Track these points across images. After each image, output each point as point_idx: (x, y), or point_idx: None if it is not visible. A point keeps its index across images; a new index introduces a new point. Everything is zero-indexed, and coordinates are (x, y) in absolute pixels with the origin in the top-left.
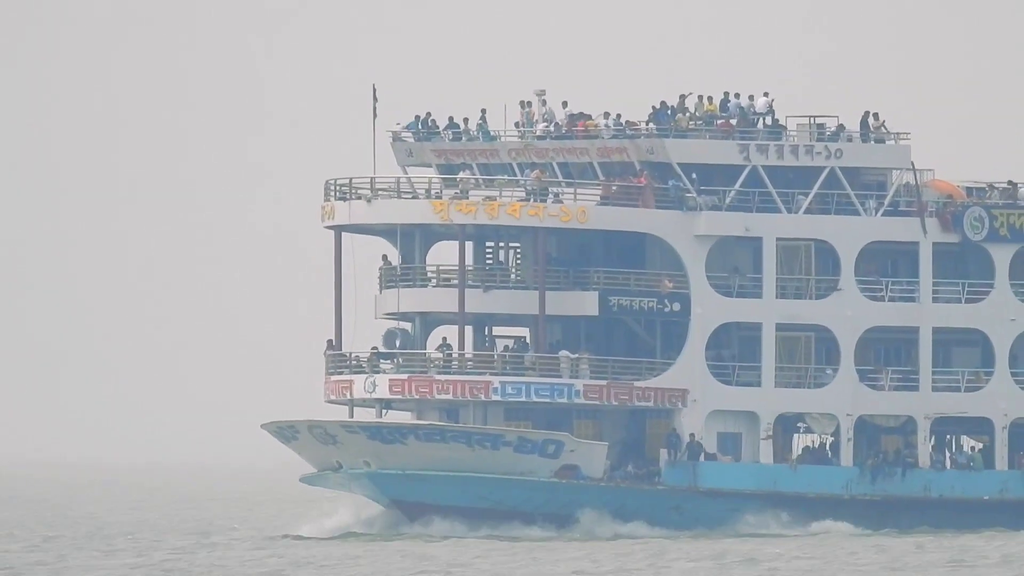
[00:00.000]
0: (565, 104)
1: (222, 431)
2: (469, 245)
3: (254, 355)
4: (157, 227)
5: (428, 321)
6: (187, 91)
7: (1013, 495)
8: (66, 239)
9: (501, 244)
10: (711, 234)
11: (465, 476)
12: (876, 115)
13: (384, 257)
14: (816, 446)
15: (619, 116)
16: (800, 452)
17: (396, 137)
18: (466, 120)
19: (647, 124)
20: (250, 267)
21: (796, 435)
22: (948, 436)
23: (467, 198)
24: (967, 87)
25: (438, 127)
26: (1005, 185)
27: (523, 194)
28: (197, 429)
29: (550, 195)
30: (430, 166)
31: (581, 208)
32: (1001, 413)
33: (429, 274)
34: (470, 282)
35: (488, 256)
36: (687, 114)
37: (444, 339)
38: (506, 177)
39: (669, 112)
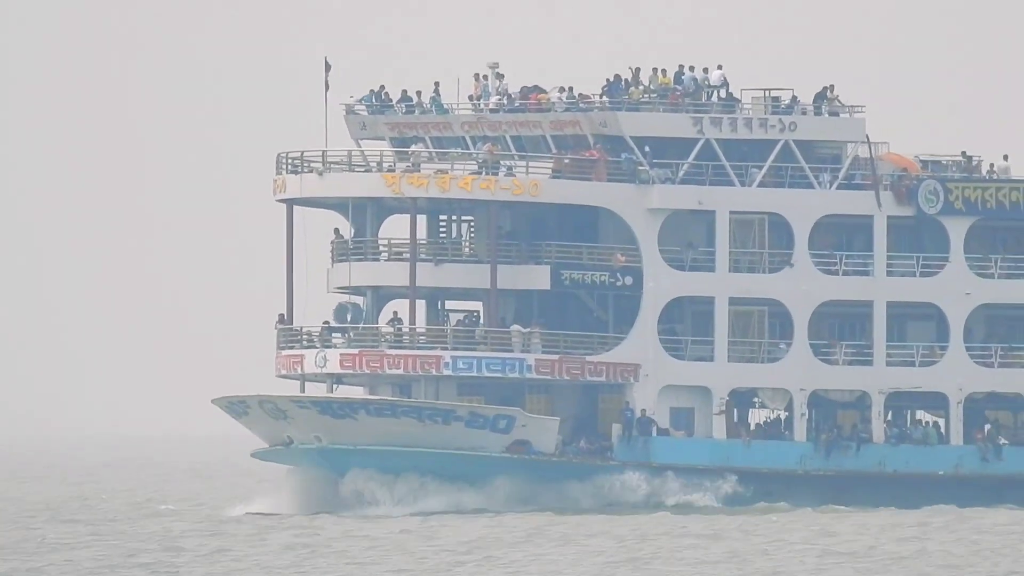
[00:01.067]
0: (500, 76)
1: (175, 406)
2: (423, 219)
3: (207, 330)
4: (110, 202)
5: (380, 295)
6: (139, 65)
7: (968, 470)
8: (20, 215)
9: (455, 218)
10: (664, 207)
11: (416, 451)
12: (832, 87)
13: (336, 231)
14: (771, 421)
15: (572, 89)
16: (755, 427)
17: (349, 110)
18: (419, 93)
19: (600, 97)
20: (202, 242)
21: (752, 410)
22: (906, 411)
23: (419, 171)
24: (922, 60)
25: (391, 100)
26: (960, 158)
27: (475, 167)
28: (150, 403)
29: (502, 168)
30: (383, 139)
31: (533, 181)
32: (956, 388)
33: (381, 248)
34: (422, 256)
35: (442, 230)
36: (641, 87)
37: (395, 313)
38: (459, 151)
39: (623, 85)
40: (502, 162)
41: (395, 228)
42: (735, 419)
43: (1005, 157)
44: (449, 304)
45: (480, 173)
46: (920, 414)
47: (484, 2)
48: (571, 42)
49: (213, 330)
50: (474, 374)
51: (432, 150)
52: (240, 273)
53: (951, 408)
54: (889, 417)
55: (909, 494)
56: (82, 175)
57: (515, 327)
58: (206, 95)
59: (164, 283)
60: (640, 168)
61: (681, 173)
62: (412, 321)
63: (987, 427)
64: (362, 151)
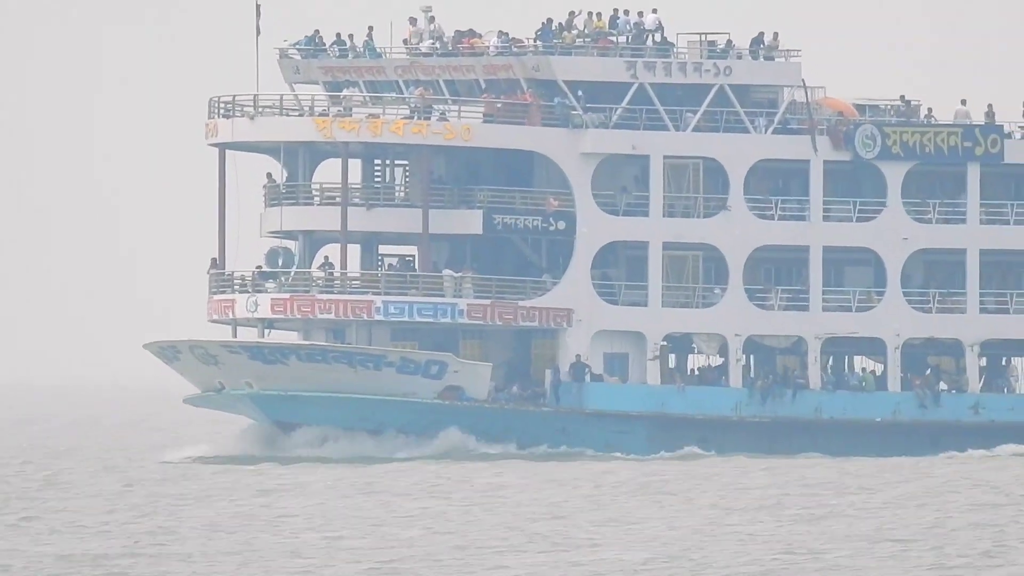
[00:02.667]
0: (432, 19)
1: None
2: (357, 163)
3: (139, 274)
4: (40, 146)
5: (314, 240)
6: (70, 10)
7: (906, 417)
8: None
9: (388, 162)
10: (597, 152)
11: (346, 397)
12: (776, 35)
13: (268, 175)
14: (708, 367)
15: (502, 33)
16: (695, 373)
17: (283, 54)
18: (352, 37)
19: (534, 41)
20: (136, 186)
21: (692, 356)
22: (846, 358)
23: (351, 116)
24: (859, 4)
25: (324, 44)
26: (897, 103)
27: (408, 112)
28: (81, 349)
29: (435, 113)
30: (317, 84)
31: (465, 126)
32: (893, 333)
33: (313, 192)
34: (355, 200)
35: (376, 174)
36: (575, 31)
37: (326, 258)
38: (392, 95)
39: (556, 29)
40: (434, 106)
41: (329, 173)
42: (671, 365)
43: (963, 102)
44: (385, 249)
45: (412, 117)
46: (862, 361)
47: None
48: None
49: (146, 275)
50: (406, 319)
51: (363, 94)
52: (173, 217)
53: (888, 354)
54: (830, 364)
55: (845, 441)
56: (11, 115)
57: (447, 272)
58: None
59: (96, 228)
60: (573, 112)
61: (615, 118)
62: (344, 266)
63: (927, 373)
64: (296, 95)
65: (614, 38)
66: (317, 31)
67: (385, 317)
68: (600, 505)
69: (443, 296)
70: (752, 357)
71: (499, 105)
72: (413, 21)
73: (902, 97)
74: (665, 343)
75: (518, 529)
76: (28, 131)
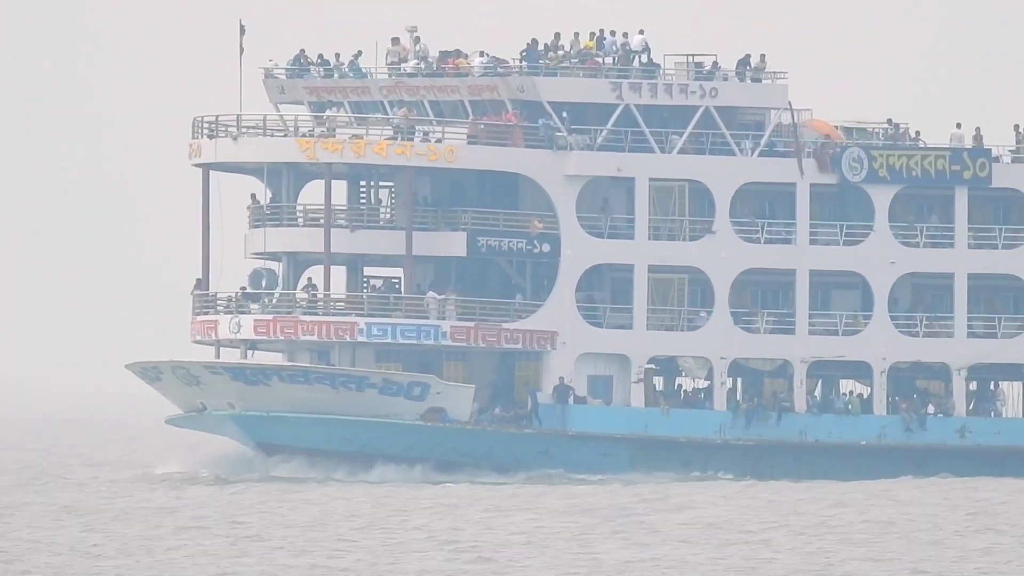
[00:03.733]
0: (418, 39)
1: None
2: (343, 184)
3: (123, 294)
4: (24, 164)
5: (298, 261)
6: (53, 26)
7: (891, 441)
8: None
9: (373, 183)
10: (582, 174)
11: (329, 418)
12: (763, 56)
13: (253, 196)
14: (693, 390)
15: (487, 54)
16: (681, 396)
17: (268, 74)
18: (338, 56)
19: (520, 62)
20: (122, 206)
21: (679, 379)
22: (836, 382)
23: (335, 136)
24: (846, 26)
25: (310, 64)
26: (885, 125)
27: (392, 132)
28: (67, 368)
29: (418, 133)
30: (302, 103)
31: (449, 147)
32: (880, 357)
33: (297, 213)
34: (340, 222)
35: (362, 196)
36: (561, 52)
37: (309, 279)
38: (377, 115)
39: (541, 50)
40: (418, 127)
41: (315, 193)
42: (655, 388)
43: (958, 125)
44: (371, 271)
45: (396, 138)
46: (850, 384)
47: None
48: (493, 6)
49: (130, 295)
50: (389, 341)
51: (346, 114)
52: (159, 238)
53: (875, 378)
54: (819, 387)
55: (831, 465)
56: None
57: (430, 294)
58: (124, 57)
59: (80, 247)
60: (558, 134)
61: (600, 139)
62: (327, 287)
63: (915, 396)
64: (280, 116)
65: (600, 59)
66: (303, 51)
67: (368, 339)
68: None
69: (427, 318)
70: (740, 380)
71: (483, 126)
72: (395, 41)
73: (889, 120)
74: (652, 366)
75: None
76: (10, 147)
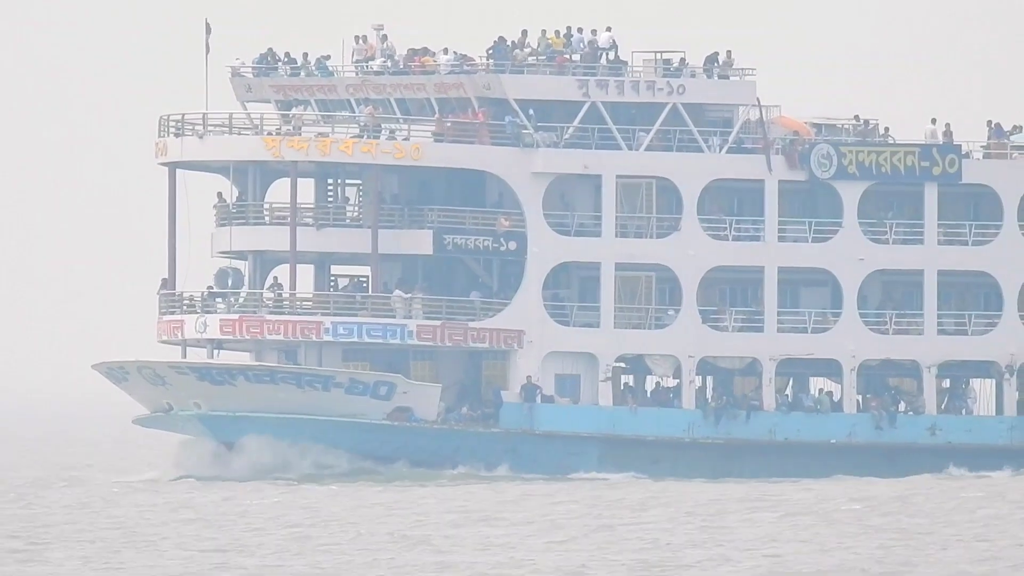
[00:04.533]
0: (384, 37)
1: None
2: (310, 182)
3: (90, 293)
4: None
5: (265, 260)
6: (18, 25)
7: (861, 439)
8: None
9: (340, 182)
10: (548, 171)
11: (295, 418)
12: (729, 52)
13: (219, 194)
14: (661, 388)
15: (455, 52)
16: (649, 395)
17: (235, 72)
18: (305, 55)
19: (487, 59)
20: (90, 206)
21: (649, 377)
22: (807, 379)
23: (300, 134)
24: (814, 23)
25: (277, 62)
26: (854, 122)
27: (358, 131)
28: (28, 369)
29: (384, 131)
30: (269, 102)
31: (415, 145)
32: (849, 355)
33: (264, 212)
34: (308, 220)
35: (329, 194)
36: (528, 49)
37: (275, 278)
38: (344, 114)
39: (508, 47)
40: (384, 125)
41: (282, 192)
42: (630, 385)
43: (933, 121)
44: (339, 269)
45: (362, 136)
46: (821, 382)
47: None
48: (462, 4)
49: (97, 294)
50: (355, 340)
51: (311, 112)
52: (125, 237)
53: (844, 375)
54: (791, 385)
55: (800, 463)
56: None
57: (396, 292)
58: (90, 55)
59: (45, 247)
60: (524, 131)
61: (566, 136)
62: (292, 286)
63: (886, 394)
64: (248, 113)
65: (568, 56)
66: (270, 49)
67: (334, 338)
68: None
69: (393, 317)
70: (712, 378)
71: (448, 124)
72: (362, 39)
73: (857, 117)
74: (622, 364)
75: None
76: None
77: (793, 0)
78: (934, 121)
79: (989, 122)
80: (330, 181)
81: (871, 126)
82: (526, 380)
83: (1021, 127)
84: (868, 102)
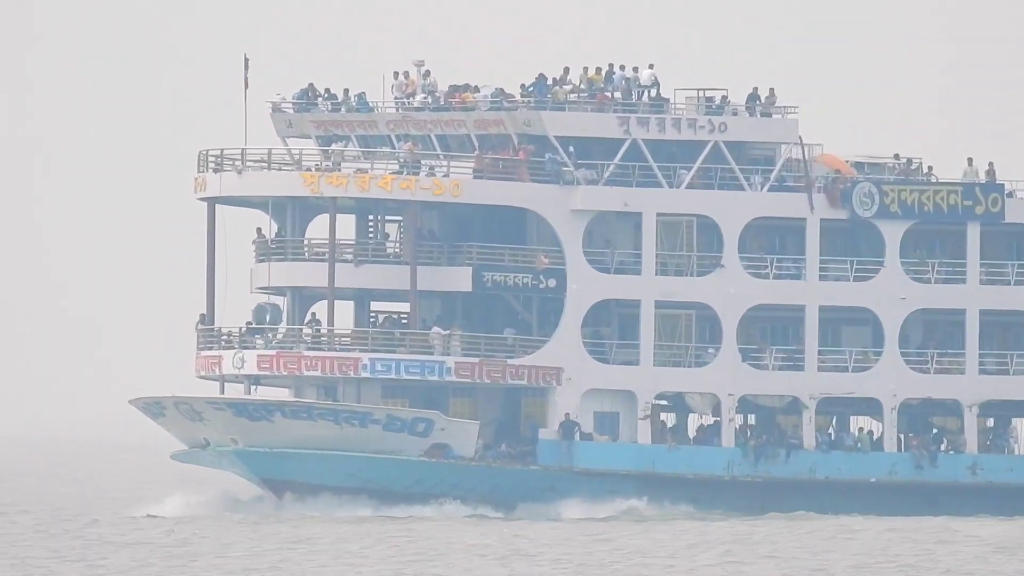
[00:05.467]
0: (427, 74)
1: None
2: (351, 219)
3: (130, 329)
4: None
5: (304, 296)
6: (59, 60)
7: (901, 478)
8: None
9: (380, 218)
10: (588, 209)
11: (333, 454)
12: (772, 90)
13: (258, 230)
14: (704, 427)
15: (496, 87)
16: (688, 432)
17: (276, 108)
18: (346, 91)
19: (527, 96)
20: (126, 239)
21: (691, 415)
22: (849, 418)
23: (339, 170)
24: (857, 61)
25: (318, 98)
26: (894, 160)
27: (397, 167)
28: (76, 404)
29: (423, 168)
30: (310, 137)
31: (454, 181)
32: (890, 394)
33: (304, 248)
34: (347, 256)
35: (370, 230)
36: (570, 86)
37: (313, 314)
38: (384, 149)
39: (549, 84)
40: (423, 161)
41: (323, 227)
42: (669, 424)
43: (969, 161)
44: (379, 306)
45: (401, 172)
46: (859, 421)
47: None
48: (505, 40)
49: (136, 330)
50: (393, 376)
51: (350, 148)
52: (165, 272)
53: (885, 414)
54: (834, 424)
55: (841, 501)
56: (4, 168)
57: (435, 329)
58: (131, 90)
59: (85, 282)
60: (564, 169)
61: (606, 174)
62: (330, 322)
63: (927, 434)
64: (288, 149)
65: (609, 93)
66: (311, 84)
67: (372, 374)
68: None
69: (431, 353)
70: (753, 417)
71: (488, 160)
72: (404, 74)
73: (896, 155)
74: (664, 402)
75: None
76: (18, 179)
77: (836, 38)
78: (971, 161)
79: None
80: (370, 217)
81: (914, 165)
82: (564, 417)
83: None
84: (911, 141)
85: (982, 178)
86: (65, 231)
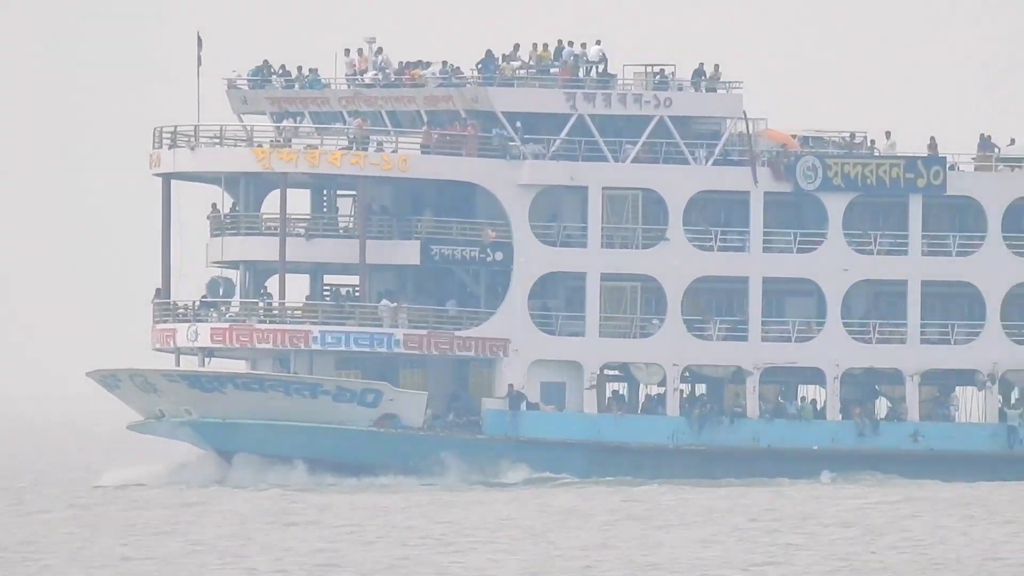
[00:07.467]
0: (379, 51)
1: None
2: (306, 193)
3: (87, 302)
4: None
5: (257, 270)
6: (23, 40)
7: (843, 445)
8: None
9: (330, 192)
10: (535, 183)
11: (283, 425)
12: (717, 66)
13: (213, 205)
14: (650, 397)
15: (445, 64)
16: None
17: (231, 85)
18: (300, 68)
19: (475, 72)
20: (83, 216)
21: (642, 386)
22: (796, 387)
23: (290, 146)
24: (802, 36)
25: (272, 75)
26: (841, 134)
27: (347, 142)
28: (23, 376)
29: (372, 143)
30: (264, 114)
31: (403, 157)
32: (833, 363)
33: (261, 222)
34: (301, 230)
35: (324, 205)
36: (519, 62)
37: (265, 288)
38: (336, 125)
39: (497, 61)
40: (372, 137)
41: (277, 202)
42: (621, 393)
43: (888, 135)
44: (332, 279)
45: (351, 148)
46: (809, 390)
47: None
48: (457, 18)
49: (91, 304)
50: (343, 348)
51: (299, 124)
52: (121, 247)
53: (828, 383)
54: (782, 393)
55: (784, 469)
56: None
57: (384, 302)
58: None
59: (42, 257)
60: (511, 144)
61: (553, 148)
62: (282, 295)
63: (868, 403)
64: (243, 125)
65: (559, 69)
66: (265, 61)
67: (323, 347)
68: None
69: (380, 326)
70: (703, 386)
71: (435, 136)
72: (349, 52)
73: (849, 132)
74: (616, 372)
75: None
76: None
77: (781, 14)
78: (889, 135)
79: (982, 134)
80: (324, 192)
81: (858, 139)
82: (508, 388)
83: (1014, 140)
84: (857, 115)
85: (897, 151)
86: (19, 205)
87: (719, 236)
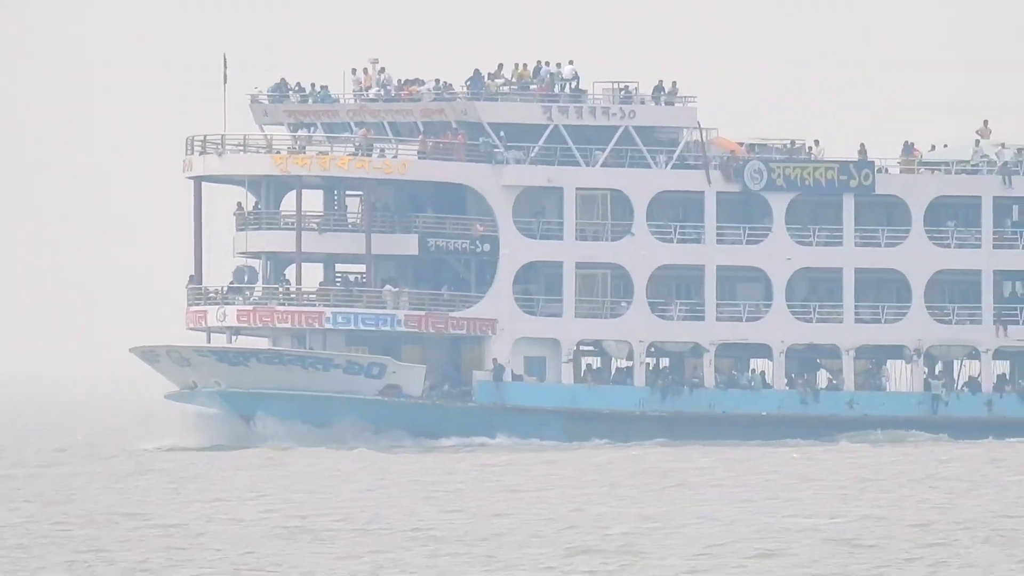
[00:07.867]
0: (383, 70)
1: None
2: (319, 193)
3: (131, 285)
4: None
5: (278, 260)
6: (66, 56)
7: (788, 412)
8: None
9: (339, 193)
10: (517, 184)
11: (299, 394)
12: (675, 82)
13: (238, 204)
14: (620, 370)
15: (439, 81)
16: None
17: (254, 100)
18: (313, 85)
19: (465, 88)
20: (125, 214)
21: (613, 360)
22: (749, 361)
23: (304, 152)
24: (749, 56)
25: (289, 91)
26: (786, 141)
27: (353, 149)
28: (75, 353)
29: (376, 150)
30: (282, 124)
31: (402, 162)
32: (778, 340)
33: (280, 219)
34: (314, 226)
35: (335, 204)
36: (503, 80)
37: (284, 275)
38: (345, 135)
39: (484, 78)
40: (376, 145)
41: (295, 201)
42: (594, 367)
43: (816, 143)
44: (343, 268)
45: (356, 154)
46: (761, 363)
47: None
48: (449, 40)
49: (133, 290)
50: (352, 328)
51: (313, 134)
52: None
53: (774, 358)
54: (735, 366)
55: (737, 432)
56: (10, 134)
57: (387, 287)
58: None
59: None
60: (496, 150)
61: (532, 154)
62: (298, 282)
63: (809, 375)
64: (265, 135)
65: (539, 86)
66: (283, 79)
67: (334, 326)
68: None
69: (384, 308)
70: (667, 360)
71: (431, 144)
72: (355, 71)
73: (788, 140)
74: (592, 348)
75: None
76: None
77: (731, 38)
78: (817, 143)
79: (906, 141)
80: (335, 192)
81: (798, 145)
82: (493, 363)
83: (934, 146)
84: (796, 125)
85: (823, 156)
86: (73, 207)
87: (678, 230)
